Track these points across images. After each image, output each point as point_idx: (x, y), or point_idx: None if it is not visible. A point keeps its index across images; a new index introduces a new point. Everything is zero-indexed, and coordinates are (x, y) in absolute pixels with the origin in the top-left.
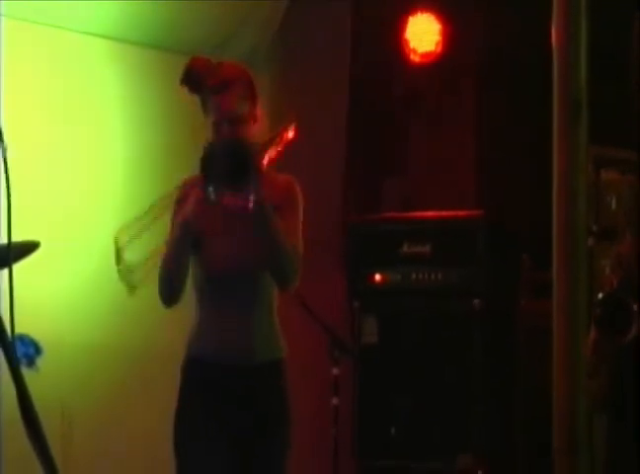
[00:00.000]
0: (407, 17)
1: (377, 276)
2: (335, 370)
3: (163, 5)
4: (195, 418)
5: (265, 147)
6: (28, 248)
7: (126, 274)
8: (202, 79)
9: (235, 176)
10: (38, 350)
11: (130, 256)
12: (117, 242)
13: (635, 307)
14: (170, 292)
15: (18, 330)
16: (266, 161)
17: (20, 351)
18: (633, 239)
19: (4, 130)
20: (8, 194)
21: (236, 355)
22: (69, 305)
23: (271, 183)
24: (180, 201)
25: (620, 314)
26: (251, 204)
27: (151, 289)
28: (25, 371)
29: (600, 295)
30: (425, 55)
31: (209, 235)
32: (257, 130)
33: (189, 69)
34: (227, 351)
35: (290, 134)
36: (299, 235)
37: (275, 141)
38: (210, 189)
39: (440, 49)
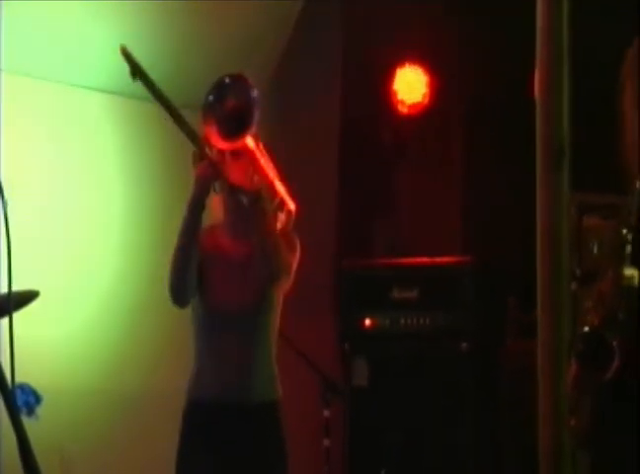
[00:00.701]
0: (395, 69)
1: (367, 321)
2: (326, 412)
3: (159, 57)
4: (196, 460)
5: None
6: (27, 297)
7: None
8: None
9: (237, 122)
10: (37, 398)
11: None
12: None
13: (615, 344)
14: (180, 287)
15: (17, 378)
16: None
17: (20, 399)
18: (615, 277)
19: (3, 184)
20: (8, 247)
21: (236, 393)
22: (67, 352)
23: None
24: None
25: (602, 351)
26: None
27: (148, 333)
28: (24, 419)
29: (582, 331)
30: (412, 106)
31: (213, 272)
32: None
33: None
34: (227, 389)
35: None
36: (293, 263)
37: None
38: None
39: (427, 101)
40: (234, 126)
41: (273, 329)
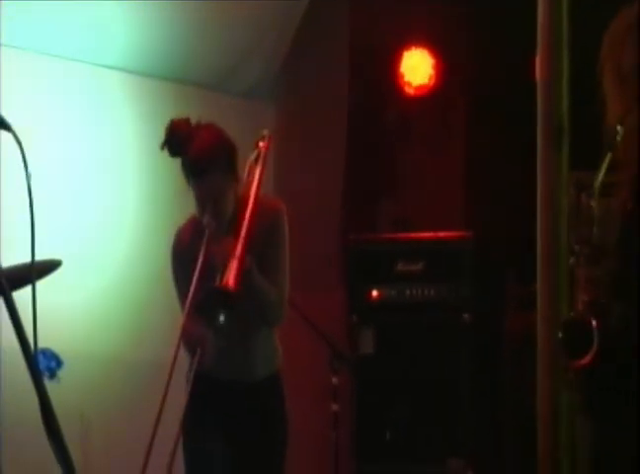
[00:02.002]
0: (402, 52)
1: (374, 293)
2: (334, 379)
3: (171, 37)
4: (199, 433)
5: (252, 167)
6: (50, 266)
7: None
8: (183, 145)
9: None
10: (59, 362)
11: None
12: None
13: (594, 324)
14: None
15: (40, 344)
16: (255, 183)
17: (42, 364)
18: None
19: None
20: (32, 218)
21: (237, 372)
22: (87, 319)
23: (259, 210)
24: (175, 247)
25: (582, 337)
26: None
27: (166, 301)
28: (46, 382)
29: (565, 317)
30: (418, 88)
31: (206, 271)
32: (240, 186)
33: (169, 134)
34: (228, 368)
35: (262, 144)
36: (285, 268)
37: (258, 157)
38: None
39: (432, 82)
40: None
41: None
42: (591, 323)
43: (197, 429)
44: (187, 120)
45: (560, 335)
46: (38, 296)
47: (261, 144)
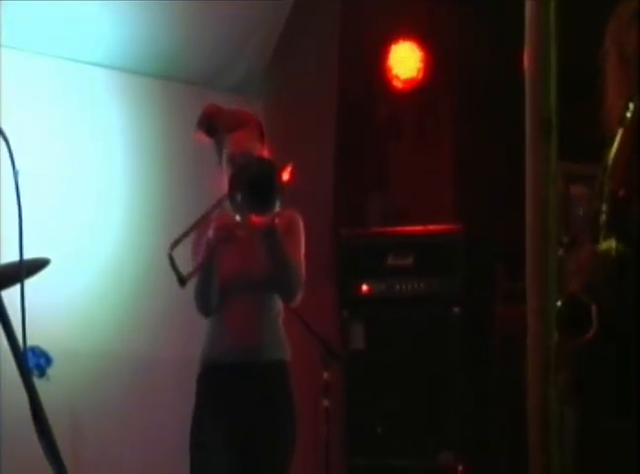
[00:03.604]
0: (390, 45)
1: (364, 287)
2: (325, 374)
3: (161, 35)
4: (210, 424)
5: None
6: (38, 265)
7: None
8: (216, 121)
9: (264, 202)
10: (48, 360)
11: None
12: (171, 257)
13: (594, 309)
14: (206, 308)
15: (29, 341)
16: None
17: (31, 361)
18: (592, 250)
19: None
20: (19, 216)
21: (245, 352)
22: (78, 315)
23: (276, 216)
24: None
25: (580, 316)
26: (275, 221)
27: (158, 297)
28: (35, 380)
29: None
30: (407, 81)
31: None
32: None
33: (204, 114)
34: (236, 349)
35: (285, 177)
36: (301, 257)
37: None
38: (238, 214)
39: (421, 76)
40: (263, 204)
41: (278, 298)
42: (589, 303)
43: (203, 424)
44: (220, 105)
45: (559, 310)
46: (26, 295)
47: (286, 177)
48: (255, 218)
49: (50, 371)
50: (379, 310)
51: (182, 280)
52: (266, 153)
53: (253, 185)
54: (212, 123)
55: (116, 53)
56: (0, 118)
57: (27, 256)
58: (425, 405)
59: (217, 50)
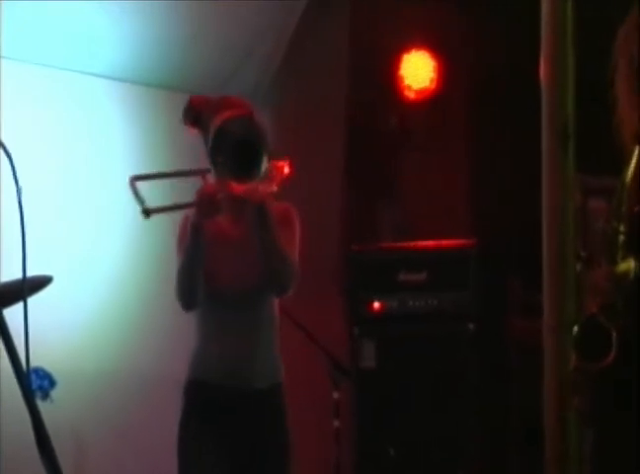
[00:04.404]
0: (402, 54)
1: (376, 304)
2: (335, 394)
3: (166, 44)
4: (196, 442)
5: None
6: (41, 282)
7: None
8: (202, 110)
9: (249, 166)
10: (52, 382)
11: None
12: (132, 184)
13: (614, 333)
14: (189, 300)
15: (32, 362)
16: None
17: (35, 383)
18: (609, 271)
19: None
20: (23, 233)
21: (237, 379)
22: (80, 337)
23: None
24: (184, 229)
25: (599, 339)
26: (261, 193)
27: (162, 316)
28: (39, 402)
29: (580, 320)
30: (419, 92)
31: (213, 254)
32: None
33: (188, 105)
34: (228, 374)
35: (286, 170)
36: (296, 254)
37: (269, 175)
38: (218, 175)
39: (433, 86)
40: (247, 168)
41: (275, 310)
42: (609, 327)
43: (192, 444)
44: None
45: (574, 335)
46: (29, 314)
47: (286, 170)
48: (237, 187)
49: (54, 393)
50: (391, 327)
51: (146, 211)
52: None
53: (236, 147)
54: (198, 113)
55: (120, 64)
56: (1, 129)
57: (28, 273)
58: (439, 425)
59: (224, 59)
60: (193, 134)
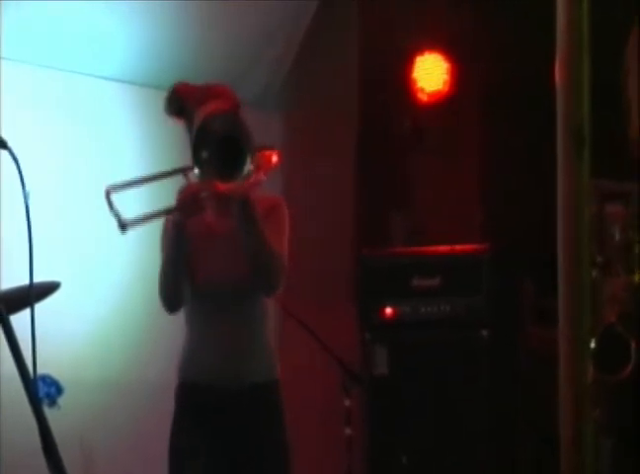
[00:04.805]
0: (415, 56)
1: (388, 310)
2: (347, 402)
3: (175, 47)
4: (187, 447)
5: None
6: (49, 288)
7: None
8: (185, 99)
9: (231, 165)
10: (59, 389)
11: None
12: (107, 196)
13: (633, 343)
14: (172, 302)
15: (39, 370)
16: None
17: (42, 391)
18: (626, 281)
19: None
20: (29, 238)
21: (228, 376)
22: (87, 344)
23: (257, 200)
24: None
25: (618, 349)
26: (245, 190)
27: (169, 324)
28: (46, 410)
29: (599, 329)
30: (432, 94)
31: (199, 249)
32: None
33: (171, 93)
34: (218, 372)
35: (275, 159)
36: (284, 248)
37: (257, 163)
38: (201, 174)
39: (447, 88)
40: (231, 166)
41: (265, 306)
42: (627, 336)
43: (184, 449)
44: (188, 83)
45: (593, 346)
46: (36, 321)
47: (275, 159)
48: (221, 186)
49: (61, 401)
50: (403, 334)
51: (123, 226)
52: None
53: (220, 144)
54: (181, 103)
55: (129, 66)
56: (11, 132)
57: (35, 279)
58: (451, 433)
59: (233, 62)
60: (179, 125)
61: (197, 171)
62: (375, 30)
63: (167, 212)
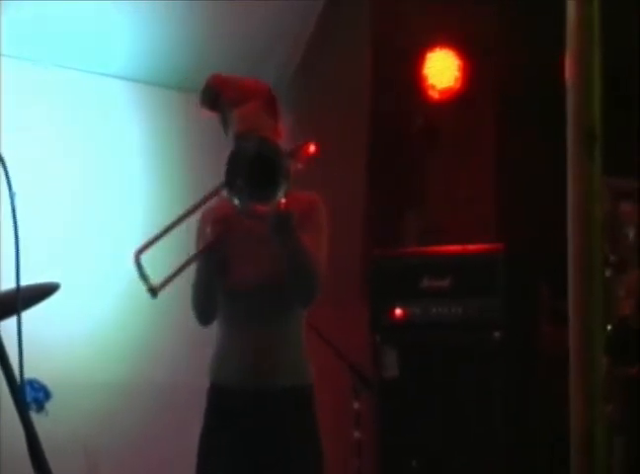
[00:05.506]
0: (426, 53)
1: (398, 311)
2: (356, 404)
3: (181, 45)
4: (216, 447)
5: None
6: (48, 290)
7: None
8: (220, 93)
9: (264, 185)
10: (47, 394)
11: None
12: (137, 259)
13: None
14: (205, 316)
15: (29, 374)
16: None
17: (29, 395)
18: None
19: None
20: (16, 240)
21: (258, 376)
22: (89, 344)
23: (292, 199)
24: (203, 227)
25: (632, 342)
26: (285, 209)
27: (174, 326)
28: (33, 415)
29: (613, 322)
30: (444, 91)
31: (235, 250)
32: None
33: (207, 87)
34: (248, 375)
35: (312, 149)
36: (323, 250)
37: (294, 155)
38: (237, 200)
39: (458, 85)
40: (266, 191)
41: (298, 308)
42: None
43: (211, 439)
44: (226, 75)
45: (609, 335)
46: (37, 323)
47: (311, 150)
48: (257, 207)
49: (51, 406)
50: (414, 335)
51: (152, 291)
52: (280, 128)
53: (252, 168)
54: (215, 96)
55: (135, 65)
56: (16, 131)
57: (34, 280)
58: (462, 436)
59: (240, 60)
60: (208, 117)
61: (229, 194)
62: (386, 27)
63: (193, 260)
